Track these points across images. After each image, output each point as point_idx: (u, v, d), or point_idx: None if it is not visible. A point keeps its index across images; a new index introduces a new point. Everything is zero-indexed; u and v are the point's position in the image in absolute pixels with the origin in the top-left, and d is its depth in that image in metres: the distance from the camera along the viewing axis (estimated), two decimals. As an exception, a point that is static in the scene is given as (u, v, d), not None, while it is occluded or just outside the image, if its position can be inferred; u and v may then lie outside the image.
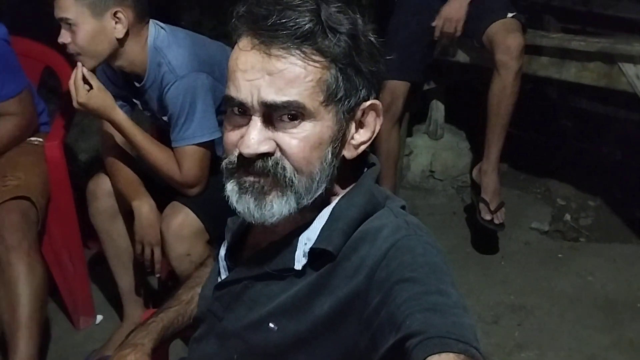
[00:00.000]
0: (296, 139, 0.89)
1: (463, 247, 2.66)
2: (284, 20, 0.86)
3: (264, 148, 0.89)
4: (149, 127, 2.15)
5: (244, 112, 0.91)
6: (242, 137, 0.91)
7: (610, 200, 2.87)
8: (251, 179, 0.92)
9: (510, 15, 2.38)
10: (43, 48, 2.35)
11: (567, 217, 2.83)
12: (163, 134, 1.93)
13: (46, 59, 2.34)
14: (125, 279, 2.11)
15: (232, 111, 0.93)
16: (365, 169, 1.01)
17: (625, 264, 2.51)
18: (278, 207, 0.91)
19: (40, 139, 2.17)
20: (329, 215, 0.96)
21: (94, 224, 2.06)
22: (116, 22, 1.74)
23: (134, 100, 1.94)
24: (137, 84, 1.86)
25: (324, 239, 0.94)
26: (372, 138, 0.96)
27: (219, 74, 1.81)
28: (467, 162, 3.05)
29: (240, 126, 0.92)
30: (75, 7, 1.71)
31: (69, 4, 1.71)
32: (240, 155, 0.91)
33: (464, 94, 2.99)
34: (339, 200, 0.97)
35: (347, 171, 0.98)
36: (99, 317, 2.32)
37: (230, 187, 0.94)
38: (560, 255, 2.60)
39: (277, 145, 0.90)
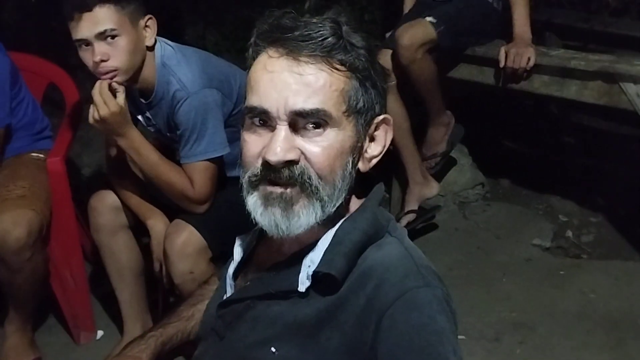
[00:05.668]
0: (320, 147, 0.92)
1: (465, 264, 2.65)
2: (310, 32, 0.92)
3: (291, 155, 0.91)
4: (152, 142, 2.15)
5: (265, 122, 0.93)
6: (264, 147, 0.92)
7: (612, 217, 2.87)
8: (278, 189, 0.93)
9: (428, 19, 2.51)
10: (47, 64, 2.37)
11: (569, 233, 2.83)
12: (164, 151, 1.93)
13: (50, 74, 2.36)
14: (126, 295, 2.11)
15: (253, 122, 0.94)
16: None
17: (627, 281, 2.49)
18: (305, 217, 0.93)
19: (42, 155, 2.18)
20: (333, 238, 0.96)
21: (95, 239, 2.06)
22: (145, 31, 1.73)
23: (137, 117, 1.94)
24: (143, 100, 1.86)
25: (326, 262, 0.94)
26: (383, 153, 0.99)
27: (227, 90, 1.82)
28: (469, 178, 3.05)
29: (261, 137, 0.93)
30: (118, 16, 1.65)
31: (111, 14, 1.64)
32: (265, 165, 0.92)
33: (465, 110, 2.99)
34: (342, 223, 0.98)
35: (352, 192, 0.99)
36: (100, 333, 2.31)
37: (254, 200, 0.95)
38: (562, 272, 2.58)
39: (302, 153, 0.92)
